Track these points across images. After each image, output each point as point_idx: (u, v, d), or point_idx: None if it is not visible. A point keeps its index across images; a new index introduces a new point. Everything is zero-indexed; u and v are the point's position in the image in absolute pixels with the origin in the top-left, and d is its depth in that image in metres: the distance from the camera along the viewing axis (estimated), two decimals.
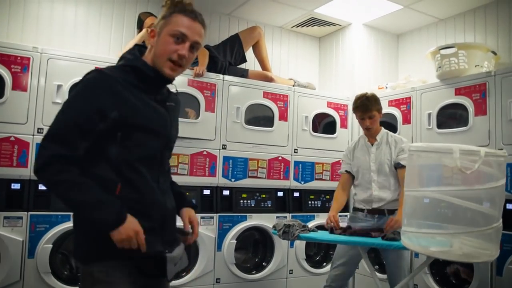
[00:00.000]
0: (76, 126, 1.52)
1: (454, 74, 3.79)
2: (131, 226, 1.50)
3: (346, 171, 3.38)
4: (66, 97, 3.28)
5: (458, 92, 3.77)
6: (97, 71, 1.60)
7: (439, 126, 3.90)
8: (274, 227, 3.02)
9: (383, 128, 3.34)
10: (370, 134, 3.31)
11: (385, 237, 2.70)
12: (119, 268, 1.55)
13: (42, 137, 1.56)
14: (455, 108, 3.84)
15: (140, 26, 4.15)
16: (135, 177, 1.60)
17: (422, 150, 2.43)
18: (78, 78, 3.09)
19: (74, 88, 1.62)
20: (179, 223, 1.84)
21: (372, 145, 3.29)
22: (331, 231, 2.99)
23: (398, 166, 3.12)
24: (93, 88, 1.56)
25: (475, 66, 3.71)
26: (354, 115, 4.43)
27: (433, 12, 4.50)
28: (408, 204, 2.51)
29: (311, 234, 2.86)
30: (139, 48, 1.75)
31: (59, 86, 3.37)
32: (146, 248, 1.53)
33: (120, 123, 1.57)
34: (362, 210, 3.25)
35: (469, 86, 3.69)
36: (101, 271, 1.53)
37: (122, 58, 1.73)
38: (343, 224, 3.19)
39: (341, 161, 3.82)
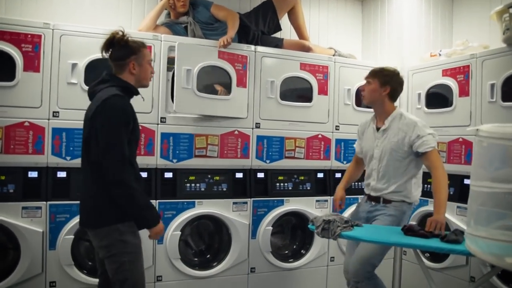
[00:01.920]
0: (125, 144, 2.19)
1: None
2: (162, 224, 2.33)
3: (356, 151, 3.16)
4: (82, 76, 3.00)
5: None
6: (118, 96, 2.21)
7: (504, 99, 3.29)
8: (311, 222, 2.58)
9: (400, 110, 2.89)
10: (376, 113, 2.92)
11: (446, 239, 2.21)
12: (132, 223, 2.24)
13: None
14: None
15: None
16: (133, 163, 2.31)
17: (498, 136, 1.90)
18: (95, 55, 2.85)
19: (100, 110, 2.16)
20: None
21: (378, 130, 2.87)
22: None
23: (419, 155, 2.71)
24: (123, 110, 2.20)
25: None
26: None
27: None
28: (476, 202, 2.01)
29: (355, 233, 2.41)
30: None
31: (74, 65, 3.01)
32: None
33: (132, 130, 2.25)
34: (365, 195, 3.01)
35: None
36: (125, 225, 2.19)
37: (108, 80, 2.30)
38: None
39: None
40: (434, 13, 4.38)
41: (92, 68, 3.04)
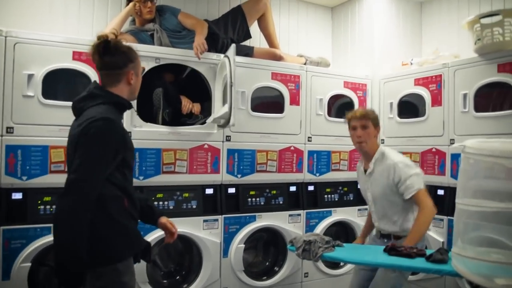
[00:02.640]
0: (101, 171, 1.82)
1: (498, 48, 3.14)
2: None
3: None
4: (39, 88, 2.76)
5: (502, 68, 3.13)
6: (107, 121, 1.84)
7: (477, 109, 3.28)
8: (291, 242, 2.45)
9: (382, 149, 2.75)
10: (364, 153, 2.78)
11: (431, 259, 2.12)
12: (131, 261, 1.98)
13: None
14: (496, 88, 3.21)
15: None
16: (131, 193, 2.01)
17: (485, 153, 1.83)
18: (54, 65, 2.62)
19: (84, 136, 1.80)
20: None
21: (366, 172, 2.78)
22: None
23: (406, 199, 2.59)
24: (108, 135, 1.84)
25: None
26: (373, 97, 3.91)
27: None
28: (464, 220, 1.93)
29: (337, 254, 2.29)
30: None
31: (30, 76, 2.75)
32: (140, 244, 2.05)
33: (122, 158, 1.92)
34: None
35: None
36: (124, 265, 1.90)
37: (98, 95, 1.94)
38: None
39: None
40: (404, 22, 4.37)
41: (51, 80, 2.81)
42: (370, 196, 2.78)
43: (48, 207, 2.83)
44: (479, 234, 1.92)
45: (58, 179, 2.67)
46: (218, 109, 3.27)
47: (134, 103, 2.72)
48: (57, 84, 2.90)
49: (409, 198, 2.55)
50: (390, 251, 2.27)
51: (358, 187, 3.10)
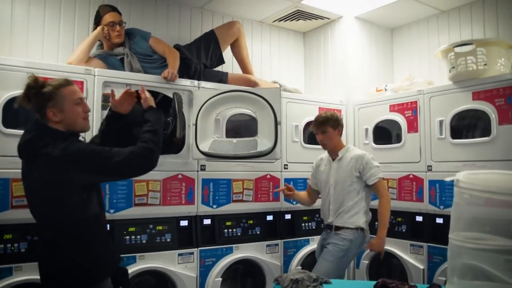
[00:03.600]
0: None
1: (472, 76, 3.19)
2: None
3: (310, 186, 3.41)
4: None
5: (476, 96, 3.17)
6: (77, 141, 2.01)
7: (453, 136, 3.30)
8: (277, 281, 2.33)
9: (349, 145, 3.27)
10: (329, 151, 3.19)
11: None
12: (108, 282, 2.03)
13: None
14: (471, 115, 3.25)
15: (97, 22, 3.33)
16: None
17: (481, 189, 1.78)
18: (13, 92, 2.44)
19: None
20: None
21: (333, 160, 3.16)
22: None
23: (368, 186, 3.05)
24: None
25: (497, 65, 3.11)
26: (347, 122, 3.95)
27: (436, 3, 3.89)
28: (459, 257, 1.87)
29: None
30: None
31: None
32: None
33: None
34: (324, 225, 3.25)
35: (490, 90, 3.10)
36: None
37: (50, 131, 1.94)
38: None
39: None
40: (376, 48, 4.41)
41: (11, 107, 2.60)
42: (332, 180, 3.10)
43: (8, 245, 2.60)
44: (476, 271, 1.86)
45: (19, 215, 2.54)
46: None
47: None
48: (19, 111, 2.70)
49: (371, 184, 2.99)
50: (381, 287, 2.19)
51: (313, 178, 3.35)
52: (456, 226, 1.93)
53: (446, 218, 3.21)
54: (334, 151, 3.14)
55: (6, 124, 2.60)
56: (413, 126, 3.58)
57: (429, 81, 3.70)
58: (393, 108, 3.73)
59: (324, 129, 3.08)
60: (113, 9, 3.34)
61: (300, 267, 3.63)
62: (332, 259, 2.93)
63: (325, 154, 3.26)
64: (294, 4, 3.96)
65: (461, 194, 1.87)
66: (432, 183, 3.42)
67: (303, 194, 3.42)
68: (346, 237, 2.96)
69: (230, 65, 4.03)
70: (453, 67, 3.27)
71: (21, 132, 2.50)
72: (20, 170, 2.12)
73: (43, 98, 1.92)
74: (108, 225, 2.86)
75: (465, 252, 1.86)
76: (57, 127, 1.96)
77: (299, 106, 3.81)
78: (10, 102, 2.60)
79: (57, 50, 3.42)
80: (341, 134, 3.17)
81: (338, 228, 3.02)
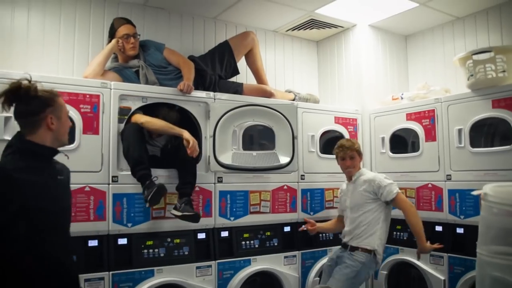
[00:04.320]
0: None
1: (491, 83, 3.15)
2: None
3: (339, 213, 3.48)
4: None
5: (496, 104, 3.13)
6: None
7: (473, 144, 3.26)
8: None
9: (363, 169, 3.32)
10: (350, 175, 3.25)
11: None
12: None
13: None
14: (491, 123, 3.22)
15: (112, 35, 3.34)
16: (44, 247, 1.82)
17: (510, 203, 1.75)
18: None
19: None
20: None
21: (349, 183, 3.27)
22: None
23: (388, 203, 3.11)
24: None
25: None
26: (363, 131, 3.91)
27: (451, 10, 3.86)
28: (490, 272, 1.84)
29: None
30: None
31: (7, 119, 2.56)
32: None
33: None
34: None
35: (511, 98, 3.06)
36: None
37: (10, 145, 1.84)
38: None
39: None
40: (390, 55, 4.39)
41: None
42: (349, 202, 3.20)
43: None
44: (503, 282, 1.82)
45: None
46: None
47: None
48: None
49: (390, 200, 3.03)
50: None
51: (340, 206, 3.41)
52: (484, 240, 1.90)
53: (467, 228, 3.23)
54: (352, 175, 3.24)
55: None
56: (431, 135, 3.54)
57: (446, 89, 3.66)
58: (410, 117, 3.70)
59: (353, 154, 3.19)
60: (127, 21, 3.35)
61: (318, 278, 3.60)
62: (343, 278, 2.96)
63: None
64: (307, 13, 3.95)
65: (490, 208, 1.84)
66: (451, 192, 3.38)
67: (328, 224, 3.50)
68: (359, 259, 3.01)
69: (244, 75, 4.02)
70: (472, 75, 3.24)
71: None
72: None
73: (42, 102, 1.84)
74: (125, 239, 2.91)
75: (494, 266, 1.82)
76: (44, 138, 1.86)
77: (315, 116, 3.79)
78: None
79: (72, 63, 3.43)
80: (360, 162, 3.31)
81: (353, 248, 3.07)
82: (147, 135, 3.10)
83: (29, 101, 1.82)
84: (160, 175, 2.98)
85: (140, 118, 2.95)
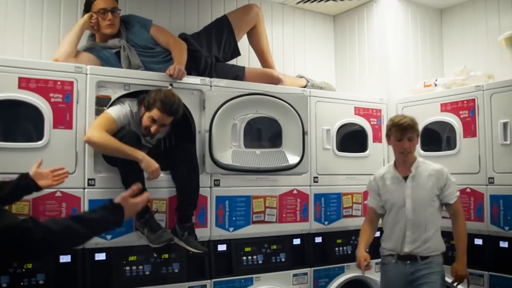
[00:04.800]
0: None
1: None
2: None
3: (373, 208, 3.29)
4: None
5: None
6: None
7: None
8: None
9: (419, 158, 3.17)
10: (404, 162, 3.10)
11: None
12: None
13: None
14: None
15: (87, 9, 3.30)
16: None
17: None
18: None
19: None
20: None
21: (406, 177, 3.08)
22: None
23: (448, 205, 3.05)
24: None
25: None
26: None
27: None
28: None
29: None
30: None
31: None
32: None
33: None
34: (392, 255, 3.13)
35: None
36: None
37: None
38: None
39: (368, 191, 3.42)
40: (422, 34, 4.37)
41: None
42: (410, 203, 3.03)
43: None
44: None
45: None
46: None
47: None
48: None
49: (448, 204, 3.02)
50: None
51: (375, 197, 3.25)
52: None
53: None
54: (405, 165, 3.10)
55: None
56: (470, 130, 3.53)
57: (489, 75, 3.64)
58: (445, 108, 3.68)
59: (412, 135, 3.03)
60: None
61: None
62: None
63: (383, 170, 3.27)
64: None
65: None
66: (494, 198, 3.36)
67: (368, 236, 3.25)
68: (438, 261, 3.01)
69: (246, 57, 4.01)
70: None
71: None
72: None
73: None
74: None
75: None
76: None
77: (331, 106, 3.78)
78: None
79: (39, 43, 3.44)
80: None
81: (425, 258, 2.99)
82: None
83: None
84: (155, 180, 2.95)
85: (94, 136, 2.81)
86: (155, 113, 2.89)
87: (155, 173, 2.83)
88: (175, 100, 2.93)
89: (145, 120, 2.95)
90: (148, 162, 2.81)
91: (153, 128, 2.94)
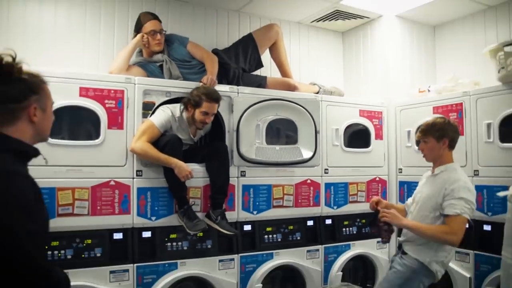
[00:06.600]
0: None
1: None
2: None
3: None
4: None
5: None
6: (16, 176, 1.34)
7: (503, 139, 3.16)
8: None
9: (453, 164, 2.61)
10: (433, 162, 2.68)
11: None
12: None
13: None
14: None
15: (138, 29, 3.34)
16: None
17: None
18: (60, 102, 2.49)
19: None
20: None
21: (431, 175, 2.68)
22: None
23: (443, 215, 2.45)
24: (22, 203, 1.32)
25: None
26: (389, 125, 3.83)
27: None
28: (510, 273, 1.79)
29: None
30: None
31: None
32: None
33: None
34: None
35: None
36: None
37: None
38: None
39: None
40: (417, 47, 4.29)
41: (56, 118, 2.63)
42: (418, 197, 2.67)
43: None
44: None
45: (65, 223, 2.66)
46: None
47: None
48: (62, 122, 2.79)
49: (445, 215, 2.41)
50: None
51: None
52: (509, 243, 1.86)
53: (495, 225, 3.14)
54: (434, 165, 2.68)
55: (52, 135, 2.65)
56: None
57: (475, 82, 3.56)
58: (437, 110, 3.60)
59: (426, 138, 2.65)
60: (154, 17, 3.34)
61: (340, 273, 3.60)
62: (387, 285, 2.59)
63: None
64: (332, 5, 3.88)
65: None
66: (479, 188, 3.25)
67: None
68: (409, 264, 2.53)
69: (268, 68, 3.99)
70: (503, 67, 3.13)
71: (66, 142, 2.68)
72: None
73: (27, 88, 1.45)
74: (149, 232, 2.96)
75: None
76: (24, 132, 1.47)
77: (339, 109, 3.75)
78: (55, 113, 2.62)
79: (97, 58, 3.48)
80: (449, 146, 2.62)
81: (404, 252, 2.60)
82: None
83: (11, 83, 1.42)
84: (195, 170, 2.99)
85: (137, 147, 2.84)
86: (205, 106, 2.94)
87: (185, 178, 2.86)
88: (214, 89, 3.03)
89: (198, 115, 2.96)
90: (180, 168, 2.83)
91: (208, 119, 2.99)
